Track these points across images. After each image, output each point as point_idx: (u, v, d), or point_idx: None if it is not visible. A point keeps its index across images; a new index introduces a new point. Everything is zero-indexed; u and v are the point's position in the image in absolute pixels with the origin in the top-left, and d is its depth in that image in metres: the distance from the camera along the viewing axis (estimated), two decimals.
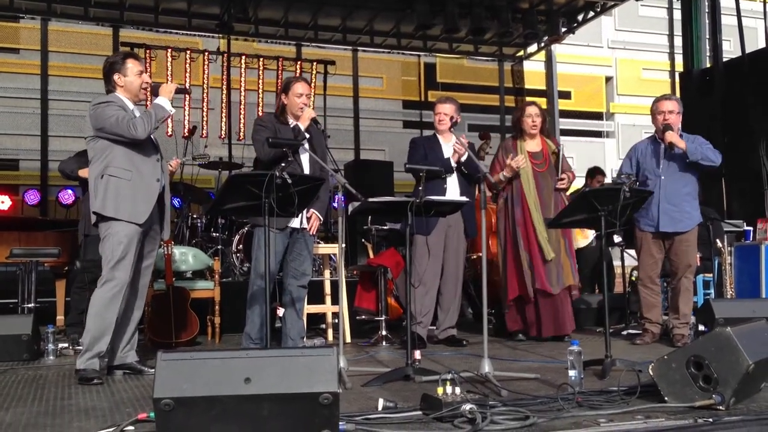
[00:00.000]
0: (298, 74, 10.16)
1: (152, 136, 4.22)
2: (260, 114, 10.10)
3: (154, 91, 4.21)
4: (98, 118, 4.03)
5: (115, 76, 4.16)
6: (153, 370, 3.99)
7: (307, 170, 4.69)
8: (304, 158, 4.70)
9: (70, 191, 8.90)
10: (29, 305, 5.91)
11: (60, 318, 6.15)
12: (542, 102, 8.06)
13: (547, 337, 5.54)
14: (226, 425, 2.38)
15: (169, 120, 9.66)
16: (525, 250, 5.52)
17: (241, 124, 10.28)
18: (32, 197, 9.36)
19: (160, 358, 2.42)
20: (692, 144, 5.24)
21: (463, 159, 5.38)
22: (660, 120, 5.32)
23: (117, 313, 4.02)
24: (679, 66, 10.57)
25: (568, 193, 5.73)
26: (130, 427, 2.55)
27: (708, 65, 9.35)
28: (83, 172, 5.62)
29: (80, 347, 5.17)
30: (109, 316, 4.00)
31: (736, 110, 8.51)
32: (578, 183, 5.95)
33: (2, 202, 9.23)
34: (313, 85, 10.50)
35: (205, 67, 10.10)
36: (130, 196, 4.04)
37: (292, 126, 4.69)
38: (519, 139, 5.65)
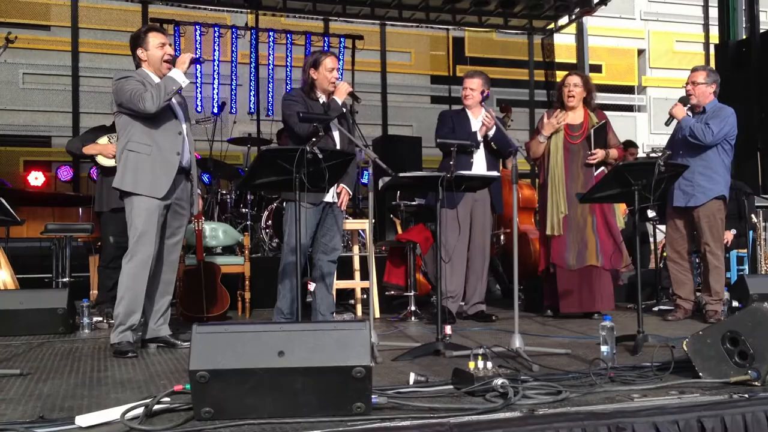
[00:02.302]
0: (326, 49, 10.11)
1: (178, 109, 4.22)
2: (287, 90, 10.11)
3: (174, 63, 4.18)
4: (117, 93, 4.06)
5: (139, 51, 4.18)
6: (186, 343, 4.08)
7: (338, 145, 4.68)
8: (336, 133, 4.68)
9: None
10: (64, 279, 6.02)
11: (94, 292, 6.25)
12: None
13: (568, 313, 5.50)
14: (260, 397, 2.40)
15: (199, 96, 9.74)
16: (543, 222, 5.51)
17: (270, 100, 10.28)
18: (65, 173, 9.48)
19: (196, 331, 2.44)
20: (688, 119, 5.14)
21: (491, 133, 5.35)
22: (685, 90, 5.28)
23: (145, 286, 4.07)
24: (714, 38, 10.34)
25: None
26: (167, 399, 2.58)
27: (744, 37, 9.12)
28: (88, 149, 5.64)
29: (114, 321, 5.29)
30: (138, 289, 4.06)
31: None
32: None
33: (36, 178, 9.37)
34: (341, 60, 10.48)
35: (234, 43, 10.09)
36: (150, 170, 4.06)
37: (323, 101, 4.67)
38: (560, 109, 5.56)
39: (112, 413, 2.42)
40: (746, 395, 2.71)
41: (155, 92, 3.99)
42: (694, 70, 5.39)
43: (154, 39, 4.17)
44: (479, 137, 5.37)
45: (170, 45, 4.27)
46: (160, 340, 4.27)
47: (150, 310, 4.25)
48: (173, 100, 4.20)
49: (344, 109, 4.68)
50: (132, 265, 4.05)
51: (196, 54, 4.27)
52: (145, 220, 4.05)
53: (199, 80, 9.80)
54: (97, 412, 2.43)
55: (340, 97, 4.63)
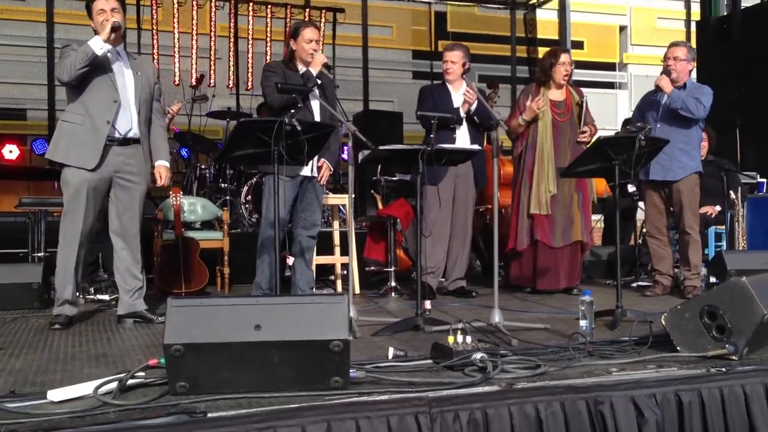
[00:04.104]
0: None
1: (121, 77, 4.06)
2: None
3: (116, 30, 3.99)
4: None
5: (90, 22, 4.07)
6: (162, 317, 4.03)
7: (317, 117, 4.62)
8: (315, 105, 4.62)
9: None
10: (39, 254, 5.93)
11: None
12: None
13: (543, 290, 5.50)
14: (237, 371, 2.37)
15: (176, 69, 9.58)
16: (526, 199, 5.47)
17: (249, 74, 10.15)
18: (40, 147, 9.31)
19: (171, 304, 2.40)
20: (679, 92, 5.15)
21: (473, 108, 5.31)
22: (664, 66, 5.27)
23: (73, 260, 4.01)
24: (696, 15, 10.35)
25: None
26: (141, 373, 2.54)
27: (725, 13, 9.13)
28: None
29: (90, 296, 5.24)
30: (66, 262, 4.03)
31: (754, 59, 8.33)
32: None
33: (10, 151, 9.19)
34: (321, 33, 10.34)
35: (212, 15, 9.92)
36: (81, 141, 3.97)
37: (301, 72, 4.61)
38: (543, 86, 5.52)
39: (85, 388, 2.38)
40: (724, 369, 2.72)
41: (68, 61, 3.88)
42: (673, 44, 5.37)
43: (95, 6, 4.02)
44: (462, 113, 5.33)
45: (115, 10, 4.01)
46: (136, 315, 4.21)
47: (122, 287, 4.19)
48: (121, 66, 4.08)
49: (319, 81, 4.60)
50: (60, 238, 4.03)
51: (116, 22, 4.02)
52: (72, 192, 3.99)
53: (177, 53, 9.63)
54: (69, 387, 2.38)
55: (314, 69, 4.57)
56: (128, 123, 4.09)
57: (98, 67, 3.98)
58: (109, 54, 4.02)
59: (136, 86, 4.13)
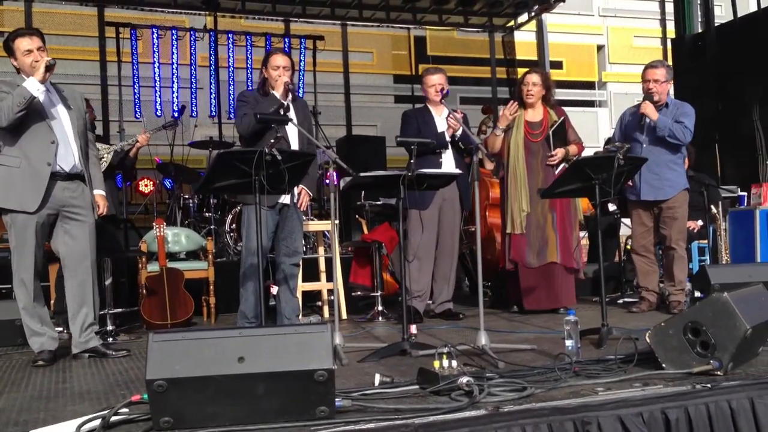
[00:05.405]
0: (286, 50, 10.03)
1: (57, 117, 3.99)
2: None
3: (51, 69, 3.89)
4: None
5: (12, 60, 3.97)
6: (122, 352, 4.10)
7: (295, 144, 4.64)
8: (292, 132, 4.64)
9: None
10: None
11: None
12: None
13: (531, 309, 5.50)
14: (221, 405, 2.35)
15: (158, 100, 9.59)
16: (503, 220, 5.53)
17: (231, 103, 10.18)
18: None
19: (152, 339, 2.38)
20: (665, 117, 5.20)
21: (458, 134, 5.33)
22: (644, 88, 5.31)
23: (29, 303, 4.03)
24: (671, 33, 10.49)
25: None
26: (124, 410, 2.52)
27: (700, 30, 9.26)
28: None
29: None
30: (25, 302, 4.04)
31: (729, 75, 8.44)
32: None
33: None
34: (302, 61, 10.41)
35: (192, 45, 9.96)
36: (20, 183, 3.90)
37: (271, 96, 4.64)
38: (520, 107, 5.56)
39: (68, 426, 2.35)
40: (709, 385, 2.73)
41: (4, 105, 3.78)
42: (651, 66, 5.38)
43: (19, 45, 3.92)
44: (447, 137, 5.34)
45: (41, 48, 3.91)
46: (89, 351, 4.12)
47: (73, 323, 4.11)
48: (54, 104, 4.01)
49: (284, 102, 4.63)
50: (14, 278, 4.01)
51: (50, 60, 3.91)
52: (17, 236, 3.95)
53: (157, 84, 9.65)
54: (51, 426, 2.36)
55: (277, 92, 4.62)
56: (71, 159, 4.04)
57: (32, 108, 3.87)
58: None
59: (72, 121, 4.07)
